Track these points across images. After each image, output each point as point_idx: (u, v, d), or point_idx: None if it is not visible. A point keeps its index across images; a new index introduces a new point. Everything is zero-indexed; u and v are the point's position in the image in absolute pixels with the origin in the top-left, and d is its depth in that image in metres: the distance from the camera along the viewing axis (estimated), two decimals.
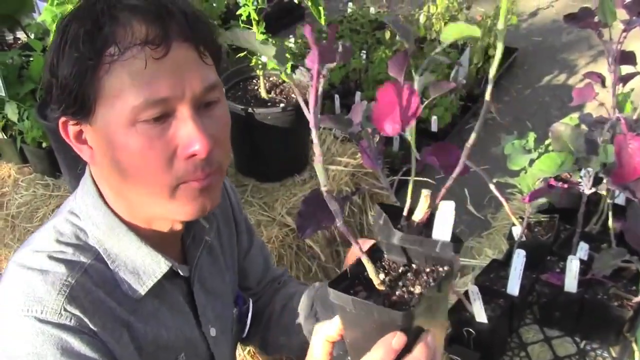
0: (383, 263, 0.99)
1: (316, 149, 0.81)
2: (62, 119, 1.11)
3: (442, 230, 0.93)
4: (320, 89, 0.79)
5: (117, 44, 1.01)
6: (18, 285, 1.11)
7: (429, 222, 0.97)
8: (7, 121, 2.87)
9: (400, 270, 0.98)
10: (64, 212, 1.22)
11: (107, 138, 1.07)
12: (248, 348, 2.38)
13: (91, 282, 1.13)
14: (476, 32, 0.83)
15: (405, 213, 0.98)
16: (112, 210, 1.18)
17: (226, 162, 1.17)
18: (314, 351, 1.05)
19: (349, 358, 1.00)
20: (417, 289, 0.93)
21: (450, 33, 0.86)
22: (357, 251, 0.92)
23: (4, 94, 2.67)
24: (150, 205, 1.13)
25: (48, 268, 1.11)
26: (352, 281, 0.96)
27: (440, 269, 0.96)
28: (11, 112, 2.77)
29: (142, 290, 1.18)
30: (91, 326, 1.09)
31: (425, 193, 0.95)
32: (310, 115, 0.80)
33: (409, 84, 0.89)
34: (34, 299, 1.08)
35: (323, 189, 0.85)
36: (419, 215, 0.96)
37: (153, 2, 1.04)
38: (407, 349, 0.89)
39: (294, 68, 2.56)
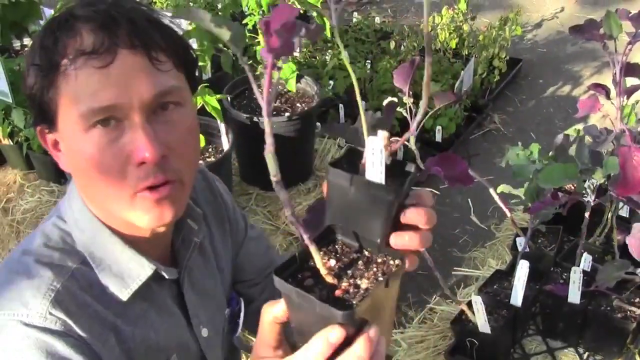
0: (336, 246, 0.97)
1: (267, 138, 0.79)
2: (38, 127, 1.13)
3: (374, 171, 0.88)
4: (273, 79, 0.77)
5: (68, 54, 1.03)
6: (5, 290, 1.12)
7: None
8: (13, 127, 2.88)
9: (351, 257, 0.95)
10: (52, 217, 1.23)
11: (69, 146, 1.09)
12: None
13: (77, 286, 1.14)
14: None
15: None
16: (95, 215, 1.18)
17: (188, 170, 1.15)
18: (263, 332, 1.02)
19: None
20: (364, 283, 0.90)
21: None
22: (307, 241, 0.89)
23: (10, 101, 2.68)
24: (117, 212, 1.13)
25: (34, 272, 1.12)
26: (301, 265, 0.94)
27: (392, 262, 0.93)
28: (18, 118, 2.78)
29: (127, 293, 1.18)
30: (77, 329, 1.10)
31: (381, 135, 0.88)
32: (263, 103, 0.79)
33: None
34: (19, 303, 1.09)
35: (273, 179, 0.83)
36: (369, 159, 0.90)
37: (101, 11, 1.05)
38: (348, 341, 0.87)
39: (299, 78, 2.58)
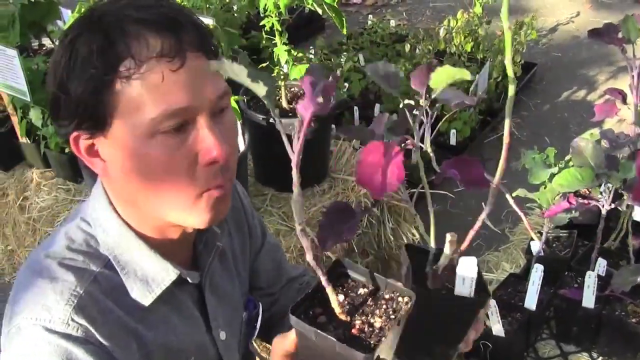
0: (344, 281, 1.03)
1: (295, 188, 0.85)
2: (74, 134, 1.10)
3: (464, 287, 0.96)
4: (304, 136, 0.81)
5: (133, 57, 1.01)
6: (28, 292, 1.12)
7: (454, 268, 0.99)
8: (31, 126, 2.90)
9: (358, 292, 1.01)
10: (75, 219, 1.23)
11: (126, 150, 1.07)
12: None
13: (100, 291, 1.14)
14: (466, 75, 0.84)
15: (429, 260, 1.01)
16: (122, 219, 1.19)
17: (236, 169, 1.19)
18: None
19: None
20: (378, 322, 0.96)
21: (440, 78, 0.87)
22: (324, 283, 0.95)
23: (28, 99, 2.70)
24: (168, 214, 1.14)
25: (58, 276, 1.13)
26: (312, 302, 0.99)
27: (400, 299, 0.99)
28: (35, 117, 2.80)
29: (151, 297, 1.19)
30: (98, 336, 1.11)
31: (449, 238, 0.97)
32: (293, 156, 0.83)
33: (396, 142, 0.90)
34: (42, 307, 1.10)
35: (298, 227, 0.87)
36: (444, 262, 0.98)
37: (162, 14, 1.05)
38: None
39: None
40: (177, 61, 1.03)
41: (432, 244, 1.02)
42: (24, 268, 1.19)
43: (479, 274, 0.98)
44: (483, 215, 0.95)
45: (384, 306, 0.98)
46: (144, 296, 1.19)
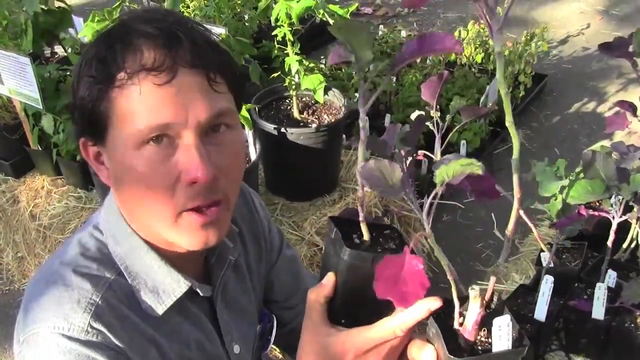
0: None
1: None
2: (82, 139, 1.14)
3: (502, 343, 0.95)
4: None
5: (125, 69, 1.03)
6: (43, 300, 1.12)
7: (483, 324, 0.98)
8: (42, 133, 2.92)
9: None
10: (89, 227, 1.23)
11: (117, 160, 1.09)
12: None
13: (115, 298, 1.14)
14: (477, 168, 0.80)
15: (456, 319, 1.00)
16: (133, 230, 1.19)
17: (233, 192, 1.16)
18: (312, 314, 1.08)
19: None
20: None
21: (445, 172, 0.83)
22: (361, 217, 1.02)
23: (41, 107, 2.72)
24: (157, 230, 1.14)
25: (73, 283, 1.13)
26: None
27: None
28: (47, 124, 2.82)
29: (161, 308, 1.18)
30: (117, 342, 1.11)
31: (473, 294, 0.96)
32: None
33: (418, 259, 0.88)
34: (60, 316, 1.09)
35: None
36: (470, 321, 0.97)
37: (164, 28, 1.05)
38: None
39: (326, 89, 2.59)
40: (165, 76, 1.03)
41: (456, 301, 0.99)
42: (37, 276, 1.19)
43: (514, 326, 0.97)
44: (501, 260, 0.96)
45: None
46: (155, 307, 1.19)
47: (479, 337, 0.99)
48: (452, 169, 0.82)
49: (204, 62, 1.06)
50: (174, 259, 1.21)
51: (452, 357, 0.94)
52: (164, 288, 1.19)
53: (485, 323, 0.98)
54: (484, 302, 0.98)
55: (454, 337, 0.99)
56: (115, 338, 1.11)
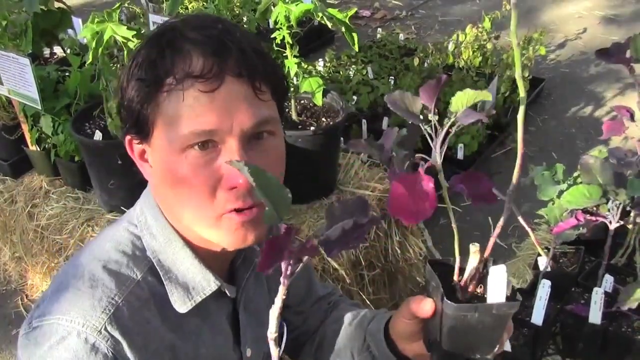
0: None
1: (277, 300, 0.88)
2: (128, 137, 1.17)
3: (497, 294, 1.00)
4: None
5: (174, 74, 1.05)
6: (69, 293, 1.14)
7: (480, 279, 1.03)
8: (41, 134, 2.92)
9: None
10: (123, 222, 1.26)
11: (161, 161, 1.12)
12: None
13: (139, 300, 1.15)
14: (487, 96, 0.85)
15: (456, 273, 1.05)
16: (171, 225, 1.21)
17: None
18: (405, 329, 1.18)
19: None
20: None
21: (461, 101, 0.89)
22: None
23: (39, 108, 2.72)
24: (196, 229, 1.16)
25: (99, 280, 1.14)
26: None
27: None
28: (46, 125, 2.82)
29: (190, 304, 1.20)
30: (128, 349, 1.11)
31: (473, 249, 1.01)
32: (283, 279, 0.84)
33: (429, 179, 0.93)
34: (79, 310, 1.11)
35: (270, 335, 0.92)
36: (470, 274, 1.01)
37: (213, 36, 1.08)
38: None
39: (325, 92, 2.60)
40: (212, 84, 1.05)
41: (457, 256, 1.06)
42: (68, 266, 1.21)
43: (508, 280, 1.01)
44: (501, 223, 1.01)
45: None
46: (183, 302, 1.20)
47: (476, 292, 1.03)
48: (465, 97, 0.91)
49: (251, 72, 1.08)
50: (205, 258, 1.23)
51: (448, 301, 1.00)
52: (194, 285, 1.21)
53: (482, 280, 1.02)
54: (483, 257, 1.01)
55: (453, 290, 1.04)
56: (128, 344, 1.11)
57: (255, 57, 1.10)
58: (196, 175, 1.08)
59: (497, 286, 0.99)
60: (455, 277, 1.05)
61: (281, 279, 0.82)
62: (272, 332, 0.89)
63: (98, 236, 1.28)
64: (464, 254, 1.05)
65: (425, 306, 1.10)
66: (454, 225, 1.04)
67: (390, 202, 0.89)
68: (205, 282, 1.22)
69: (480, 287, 1.04)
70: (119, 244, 1.21)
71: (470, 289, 1.04)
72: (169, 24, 1.13)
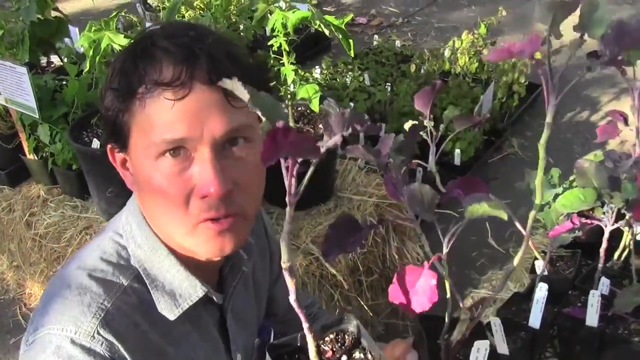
0: (343, 336, 1.08)
1: (286, 225, 0.87)
2: (109, 145, 1.18)
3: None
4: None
5: (145, 82, 1.06)
6: (56, 303, 1.14)
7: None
8: (38, 143, 2.92)
9: (351, 351, 1.05)
10: (109, 231, 1.26)
11: (138, 168, 1.13)
12: None
13: (127, 304, 1.16)
14: (502, 214, 0.89)
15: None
16: (155, 233, 1.21)
17: (251, 204, 1.17)
18: None
19: None
20: None
21: (476, 210, 0.89)
22: (306, 330, 0.98)
23: (37, 116, 2.72)
24: (176, 237, 1.17)
25: (87, 288, 1.15)
26: (298, 348, 1.06)
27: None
28: (43, 134, 2.82)
29: (177, 312, 1.20)
30: (122, 350, 1.12)
31: (463, 317, 1.01)
32: (289, 197, 0.86)
33: (433, 275, 0.93)
34: (69, 319, 1.11)
35: (284, 265, 0.88)
36: (457, 337, 1.01)
37: (184, 44, 1.08)
38: None
39: (322, 99, 2.60)
40: (182, 91, 1.05)
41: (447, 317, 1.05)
42: (54, 279, 1.22)
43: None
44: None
45: None
46: (170, 310, 1.20)
47: (458, 356, 1.03)
48: (482, 208, 0.91)
49: (221, 78, 1.08)
50: (191, 265, 1.23)
51: None
52: (180, 292, 1.21)
53: (468, 345, 1.02)
54: (471, 326, 1.02)
55: (437, 349, 1.03)
56: (122, 346, 1.12)
57: (228, 63, 1.09)
58: (170, 183, 1.08)
59: (479, 357, 1.00)
60: (442, 339, 1.05)
61: (288, 199, 0.85)
62: (285, 262, 0.88)
63: (84, 247, 1.28)
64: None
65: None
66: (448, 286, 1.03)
67: (391, 290, 0.91)
68: (192, 289, 1.22)
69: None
70: (104, 253, 1.21)
71: (454, 353, 1.04)
72: (145, 32, 1.14)
